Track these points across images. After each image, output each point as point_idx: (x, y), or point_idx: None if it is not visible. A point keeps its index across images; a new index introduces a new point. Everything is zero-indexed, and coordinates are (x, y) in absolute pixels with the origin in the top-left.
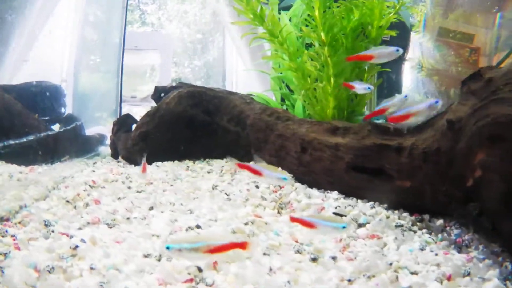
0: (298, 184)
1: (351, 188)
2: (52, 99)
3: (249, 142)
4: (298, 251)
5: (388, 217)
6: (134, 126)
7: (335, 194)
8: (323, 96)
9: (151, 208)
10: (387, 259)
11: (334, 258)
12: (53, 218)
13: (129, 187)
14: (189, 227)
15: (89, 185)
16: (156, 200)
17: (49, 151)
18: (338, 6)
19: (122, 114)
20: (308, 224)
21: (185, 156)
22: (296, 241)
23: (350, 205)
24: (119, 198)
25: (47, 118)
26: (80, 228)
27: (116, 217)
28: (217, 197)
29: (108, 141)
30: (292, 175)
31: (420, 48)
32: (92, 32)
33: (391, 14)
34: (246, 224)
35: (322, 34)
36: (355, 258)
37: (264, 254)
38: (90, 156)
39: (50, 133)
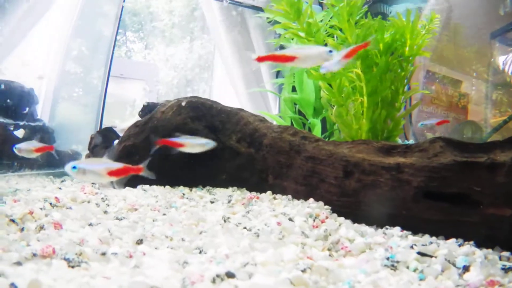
0: (341, 219)
1: (420, 221)
2: (19, 102)
3: (265, 167)
4: None
5: (486, 258)
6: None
7: (397, 230)
8: (359, 115)
9: (140, 242)
10: None
11: None
12: None
13: (105, 212)
14: (217, 276)
15: (50, 203)
16: (146, 231)
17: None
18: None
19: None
20: None
21: (179, 180)
22: None
23: (431, 242)
24: (90, 224)
25: (10, 121)
26: (18, 263)
27: (83, 250)
28: (235, 232)
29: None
30: (329, 207)
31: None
32: (75, 64)
33: (424, 33)
34: (303, 271)
35: None
36: None
37: None
38: (57, 172)
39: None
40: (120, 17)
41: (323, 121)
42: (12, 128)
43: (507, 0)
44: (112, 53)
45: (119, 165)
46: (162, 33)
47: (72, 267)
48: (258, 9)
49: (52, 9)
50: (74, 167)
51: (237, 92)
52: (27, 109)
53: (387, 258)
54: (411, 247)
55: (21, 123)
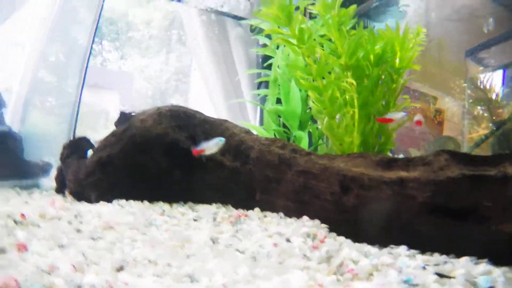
0: (341, 238)
1: (427, 238)
2: None
3: (252, 182)
4: None
5: (506, 276)
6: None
7: (402, 248)
8: (350, 128)
9: (120, 269)
10: None
11: None
12: None
13: (78, 230)
14: None
15: (14, 220)
16: (125, 254)
17: None
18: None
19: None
20: None
21: (159, 195)
22: None
23: (445, 262)
24: (61, 246)
25: None
26: None
27: (54, 282)
28: (227, 255)
29: (54, 173)
30: (326, 225)
31: None
32: (48, 71)
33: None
34: None
35: (344, 57)
36: None
37: None
38: (25, 185)
39: None
40: (97, 24)
41: (308, 135)
42: None
43: (490, 18)
44: (88, 61)
45: None
46: (139, 43)
47: None
48: (241, 19)
49: (21, 13)
50: None
51: (215, 104)
52: None
53: (404, 282)
54: (423, 267)
55: None
